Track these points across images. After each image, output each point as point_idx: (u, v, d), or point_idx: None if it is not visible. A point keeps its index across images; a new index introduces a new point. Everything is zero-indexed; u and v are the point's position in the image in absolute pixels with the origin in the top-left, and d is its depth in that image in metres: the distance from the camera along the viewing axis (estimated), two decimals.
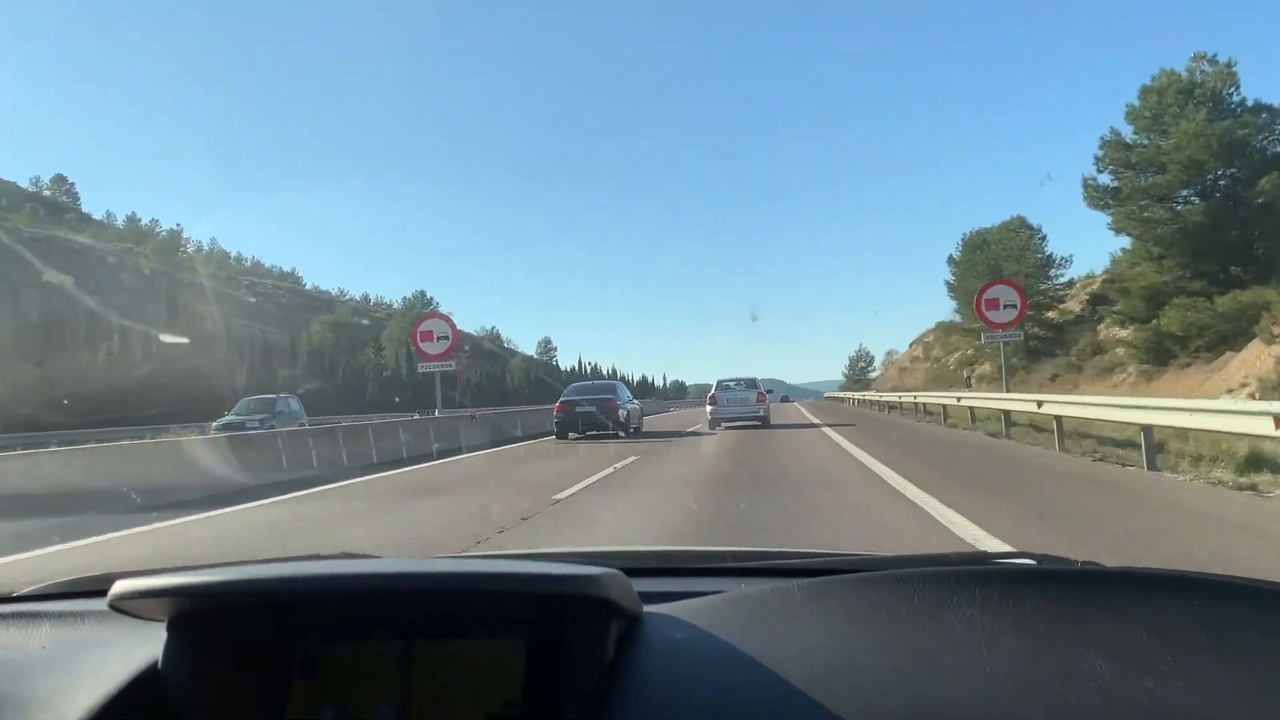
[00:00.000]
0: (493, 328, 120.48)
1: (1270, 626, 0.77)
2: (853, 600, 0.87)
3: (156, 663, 0.81)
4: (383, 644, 0.83)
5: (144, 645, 0.83)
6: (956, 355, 46.24)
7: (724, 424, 17.56)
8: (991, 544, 4.43)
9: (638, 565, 1.24)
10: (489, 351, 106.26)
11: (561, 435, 15.48)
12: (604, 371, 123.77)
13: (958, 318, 54.53)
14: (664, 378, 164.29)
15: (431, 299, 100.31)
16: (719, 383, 18.74)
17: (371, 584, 0.81)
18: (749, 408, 17.85)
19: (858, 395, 42.08)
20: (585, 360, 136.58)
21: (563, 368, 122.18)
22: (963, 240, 56.47)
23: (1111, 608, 0.82)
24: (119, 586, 0.79)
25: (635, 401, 18.18)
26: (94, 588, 1.08)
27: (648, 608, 0.86)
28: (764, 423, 17.37)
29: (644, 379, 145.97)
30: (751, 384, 18.49)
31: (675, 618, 0.84)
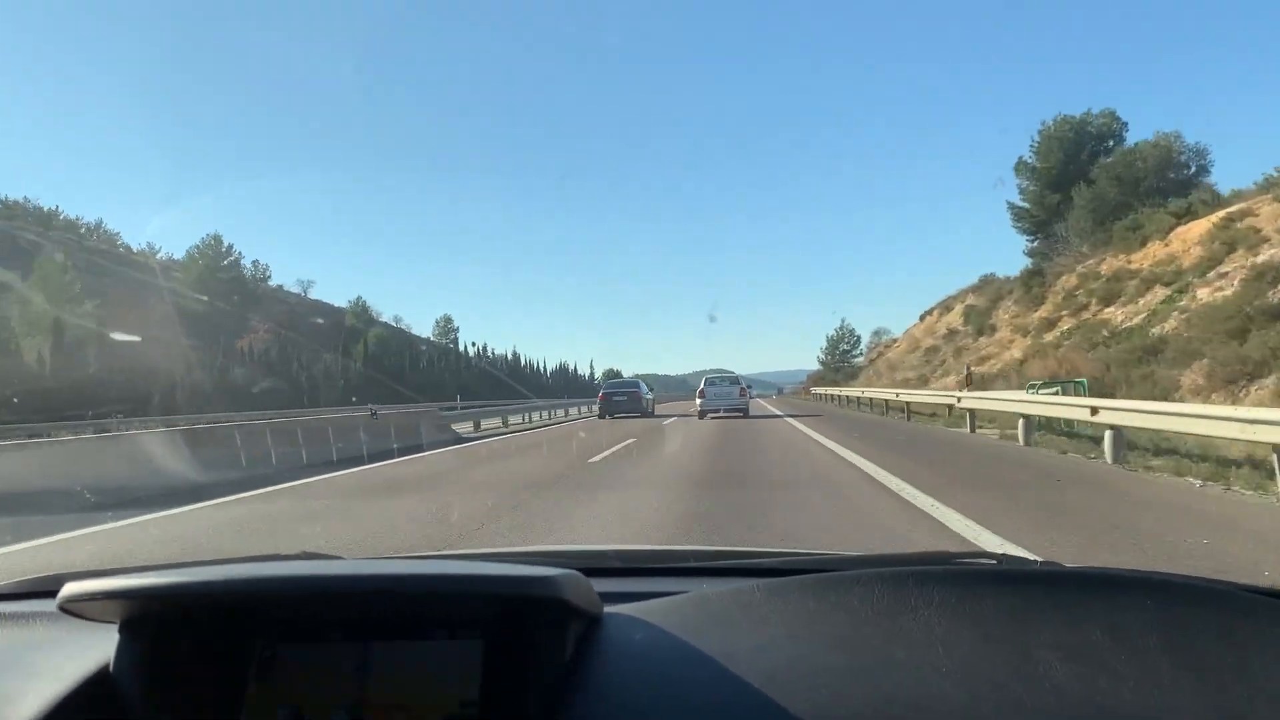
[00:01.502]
0: (358, 298, 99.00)
1: (1221, 626, 0.83)
2: (812, 601, 0.92)
3: (108, 665, 0.84)
4: (340, 645, 0.86)
5: (95, 647, 0.87)
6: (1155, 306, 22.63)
7: (710, 414, 21.66)
8: None
9: (599, 565, 1.29)
10: (351, 328, 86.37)
11: (602, 415, 24.00)
12: (504, 356, 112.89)
13: (1026, 260, 39.34)
14: (591, 366, 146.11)
15: (236, 254, 77.03)
16: (707, 378, 23.16)
17: (326, 586, 0.84)
18: (733, 400, 22.18)
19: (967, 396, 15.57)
20: (464, 339, 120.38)
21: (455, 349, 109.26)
22: (1043, 134, 38.62)
23: (1068, 608, 0.86)
24: (69, 589, 0.82)
25: (651, 393, 26.71)
26: (45, 589, 1.11)
27: (608, 608, 0.90)
28: (745, 413, 21.75)
29: (561, 366, 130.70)
30: (735, 380, 23.38)
31: (636, 618, 0.89)
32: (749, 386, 24.82)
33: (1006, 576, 1.01)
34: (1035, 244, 40.90)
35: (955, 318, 45.62)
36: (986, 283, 44.83)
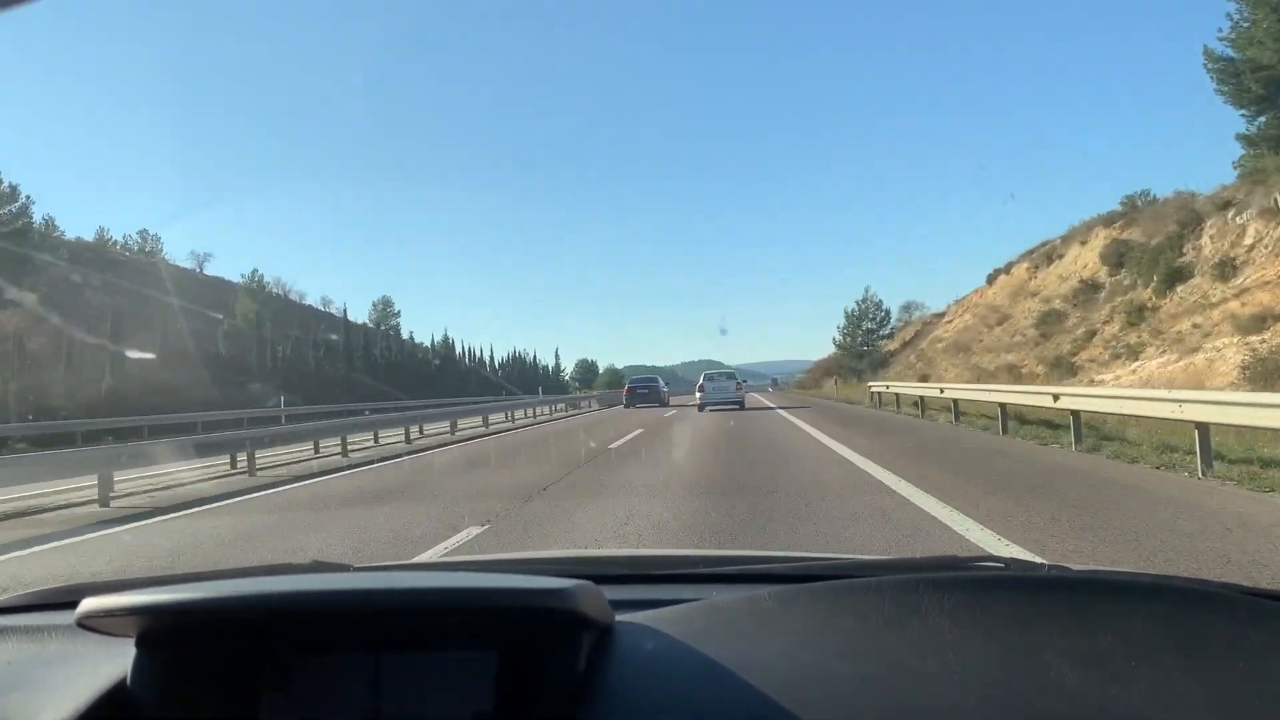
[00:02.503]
0: (254, 271, 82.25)
1: (1230, 631, 0.88)
2: (824, 608, 0.98)
3: (125, 679, 0.91)
4: (353, 657, 0.94)
5: (112, 661, 0.94)
6: None
7: (710, 407, 25.35)
8: None
9: (609, 572, 1.34)
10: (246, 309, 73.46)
11: (628, 405, 31.19)
12: (434, 341, 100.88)
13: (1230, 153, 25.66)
14: (557, 355, 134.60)
15: (24, 199, 54.69)
16: (706, 374, 27.02)
17: (339, 600, 0.91)
18: (729, 394, 25.72)
19: None
20: (426, 330, 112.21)
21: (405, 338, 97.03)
22: None
23: (1077, 613, 0.92)
24: (86, 604, 0.89)
25: (666, 386, 35.30)
26: (61, 600, 1.18)
27: (620, 616, 0.97)
28: (740, 405, 25.75)
29: (516, 355, 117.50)
30: (731, 375, 27.12)
31: (648, 627, 0.95)
32: (744, 381, 29.42)
33: (1015, 583, 1.05)
34: (1267, 119, 25.43)
35: (1079, 265, 31.34)
36: (1141, 206, 30.78)
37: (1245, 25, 24.24)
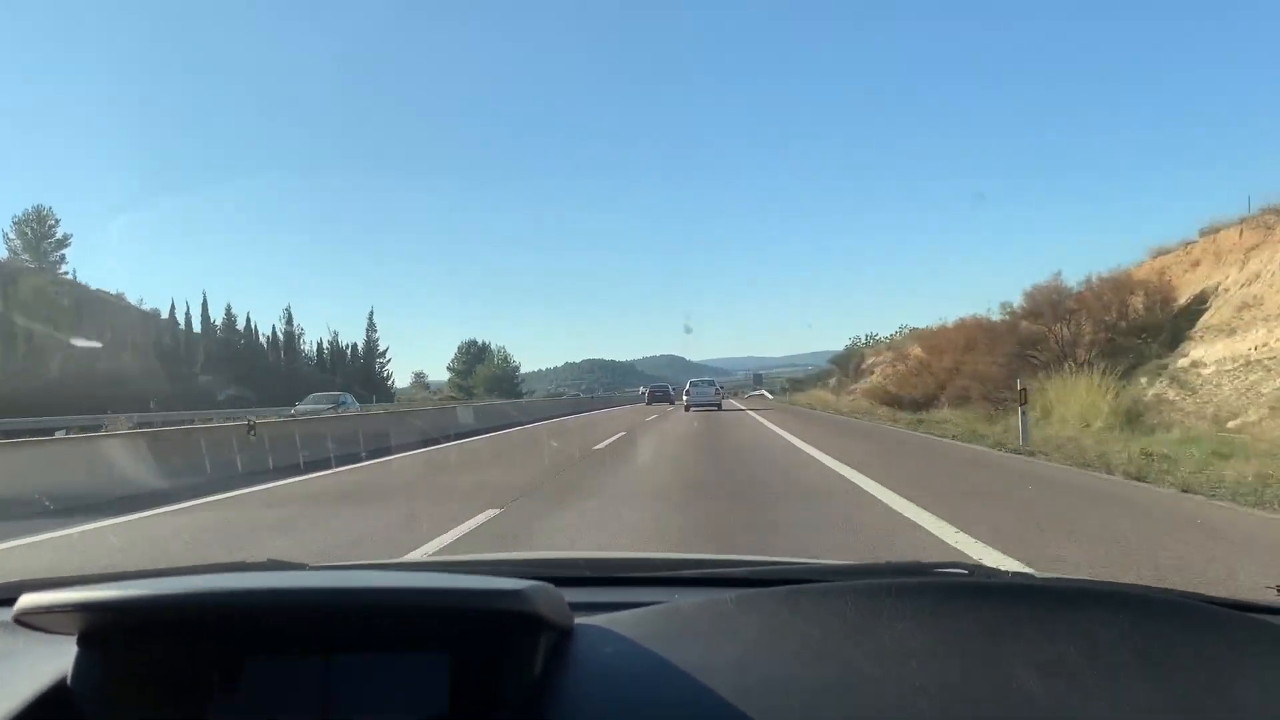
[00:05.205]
0: None
1: (1193, 641, 0.90)
2: (785, 613, 0.99)
3: (66, 678, 0.90)
4: (304, 657, 0.93)
5: (52, 660, 0.93)
6: None
7: (694, 408, 33.00)
8: None
9: (570, 574, 1.35)
10: None
11: (649, 404, 43.81)
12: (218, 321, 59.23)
13: None
14: (371, 323, 78.10)
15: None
16: (691, 381, 37.33)
17: (287, 599, 0.91)
18: (710, 398, 34.27)
19: None
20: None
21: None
22: None
23: (1041, 622, 0.93)
24: (25, 600, 0.88)
25: (674, 390, 47.39)
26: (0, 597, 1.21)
27: (579, 619, 0.97)
28: (719, 407, 34.04)
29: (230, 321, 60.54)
30: (710, 382, 38.04)
31: (607, 630, 0.95)
32: (721, 387, 41.31)
33: (978, 590, 1.06)
34: None
35: None
36: None
37: None
